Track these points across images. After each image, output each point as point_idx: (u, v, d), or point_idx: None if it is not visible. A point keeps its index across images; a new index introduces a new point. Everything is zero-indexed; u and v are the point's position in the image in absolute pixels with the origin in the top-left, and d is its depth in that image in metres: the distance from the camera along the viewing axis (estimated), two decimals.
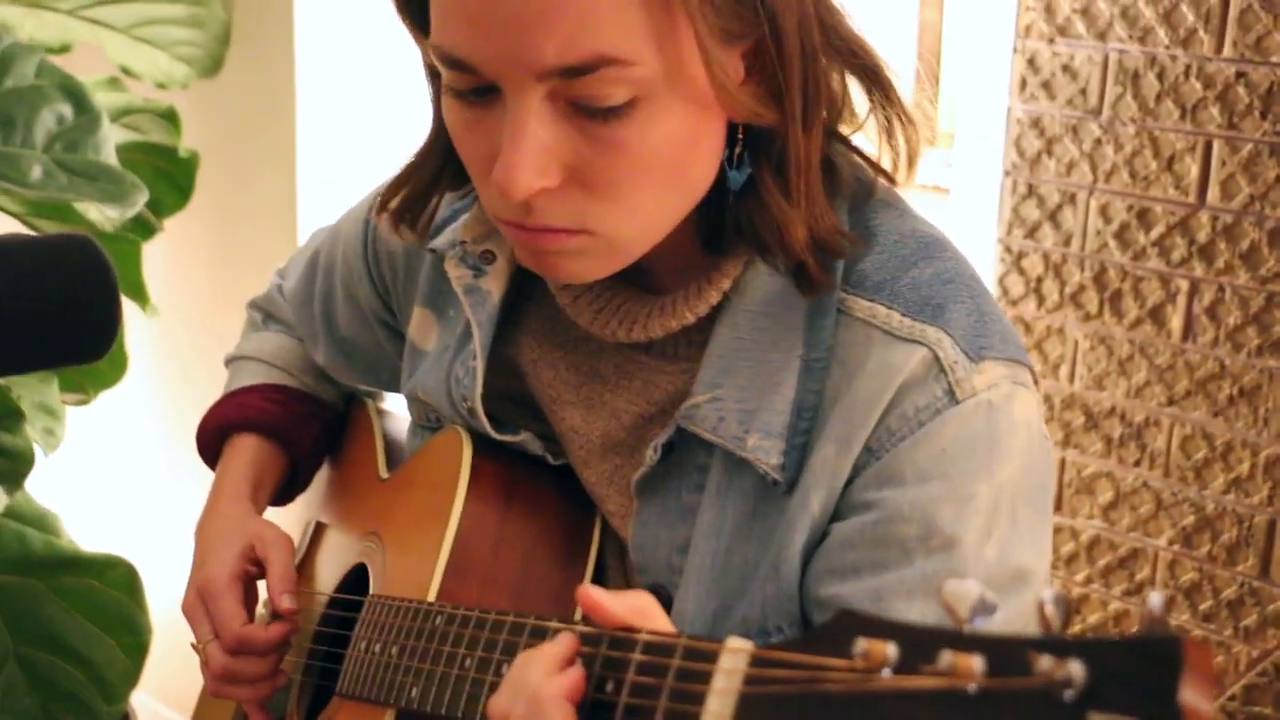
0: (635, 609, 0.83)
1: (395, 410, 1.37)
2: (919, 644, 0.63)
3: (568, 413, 1.11)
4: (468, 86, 0.91)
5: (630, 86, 0.88)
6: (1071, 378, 2.00)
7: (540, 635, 0.89)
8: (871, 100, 0.99)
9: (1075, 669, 0.58)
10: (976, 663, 0.60)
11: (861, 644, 0.64)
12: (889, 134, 1.00)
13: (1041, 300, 2.01)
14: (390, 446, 1.31)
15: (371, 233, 1.22)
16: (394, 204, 1.07)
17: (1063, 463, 2.03)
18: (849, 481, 0.97)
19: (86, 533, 1.95)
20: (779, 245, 0.96)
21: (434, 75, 0.99)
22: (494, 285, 1.09)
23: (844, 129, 1.01)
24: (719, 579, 1.01)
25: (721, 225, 0.99)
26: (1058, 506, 2.04)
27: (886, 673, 0.63)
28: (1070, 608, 0.61)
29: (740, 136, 0.96)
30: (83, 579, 1.84)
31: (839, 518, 0.97)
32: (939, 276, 0.99)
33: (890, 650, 0.63)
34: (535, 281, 1.10)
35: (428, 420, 1.19)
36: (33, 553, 1.83)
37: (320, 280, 1.30)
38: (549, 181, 0.90)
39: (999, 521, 0.95)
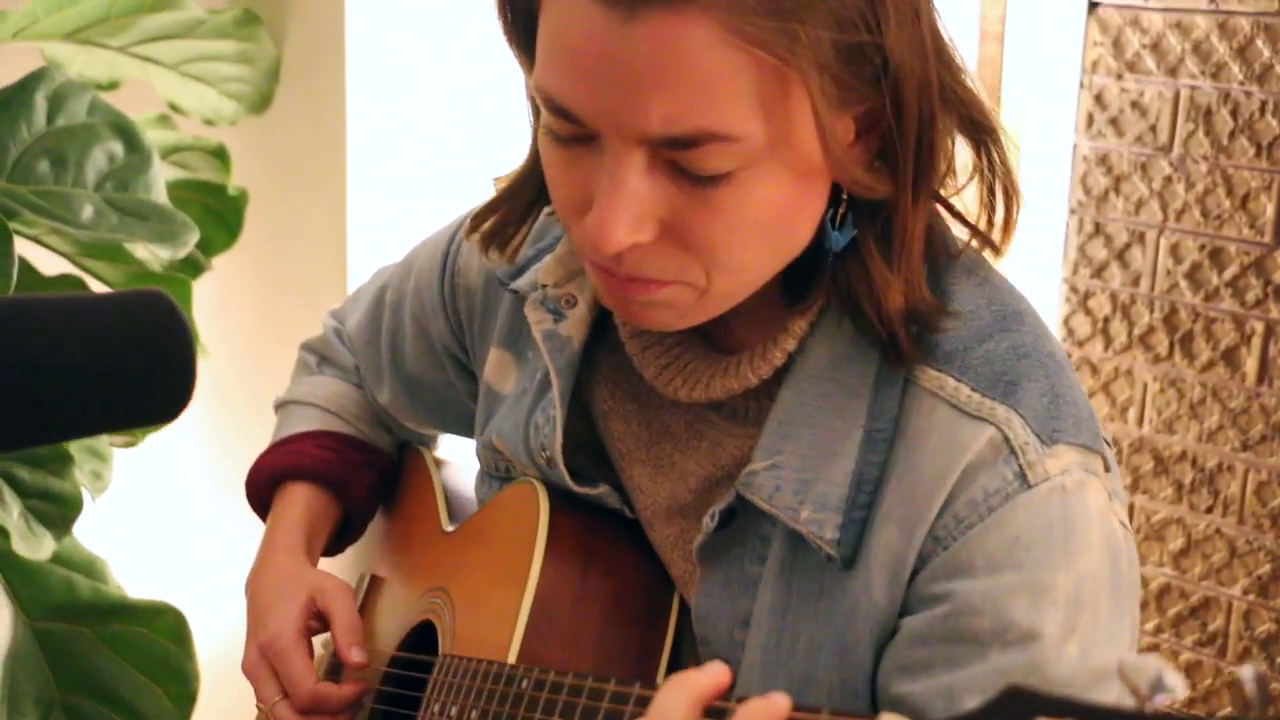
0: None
1: (451, 459, 1.33)
2: None
3: (636, 470, 1.07)
4: (568, 134, 0.89)
5: (735, 159, 0.85)
6: (1140, 421, 1.95)
7: (643, 704, 0.85)
8: (980, 163, 0.94)
9: None
10: None
11: None
12: (991, 200, 0.95)
13: (1109, 341, 1.96)
14: (451, 498, 1.27)
15: (451, 265, 1.19)
16: (486, 227, 1.04)
17: (1131, 508, 1.98)
18: (915, 571, 0.92)
19: (134, 578, 1.91)
20: (875, 312, 0.92)
21: (535, 103, 0.95)
22: (574, 331, 1.06)
23: (945, 190, 0.97)
24: (784, 660, 0.96)
25: (809, 280, 0.95)
26: None
27: None
28: (1268, 686, 0.56)
29: (844, 196, 0.92)
30: (130, 626, 1.80)
31: (908, 611, 0.93)
32: (1014, 351, 0.94)
33: None
34: (609, 327, 1.06)
35: (497, 470, 1.14)
36: (80, 599, 1.80)
37: (388, 316, 1.27)
38: (643, 237, 0.88)
39: (1082, 617, 0.90)
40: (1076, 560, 0.90)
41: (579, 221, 0.89)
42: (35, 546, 1.72)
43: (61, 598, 1.79)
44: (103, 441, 1.94)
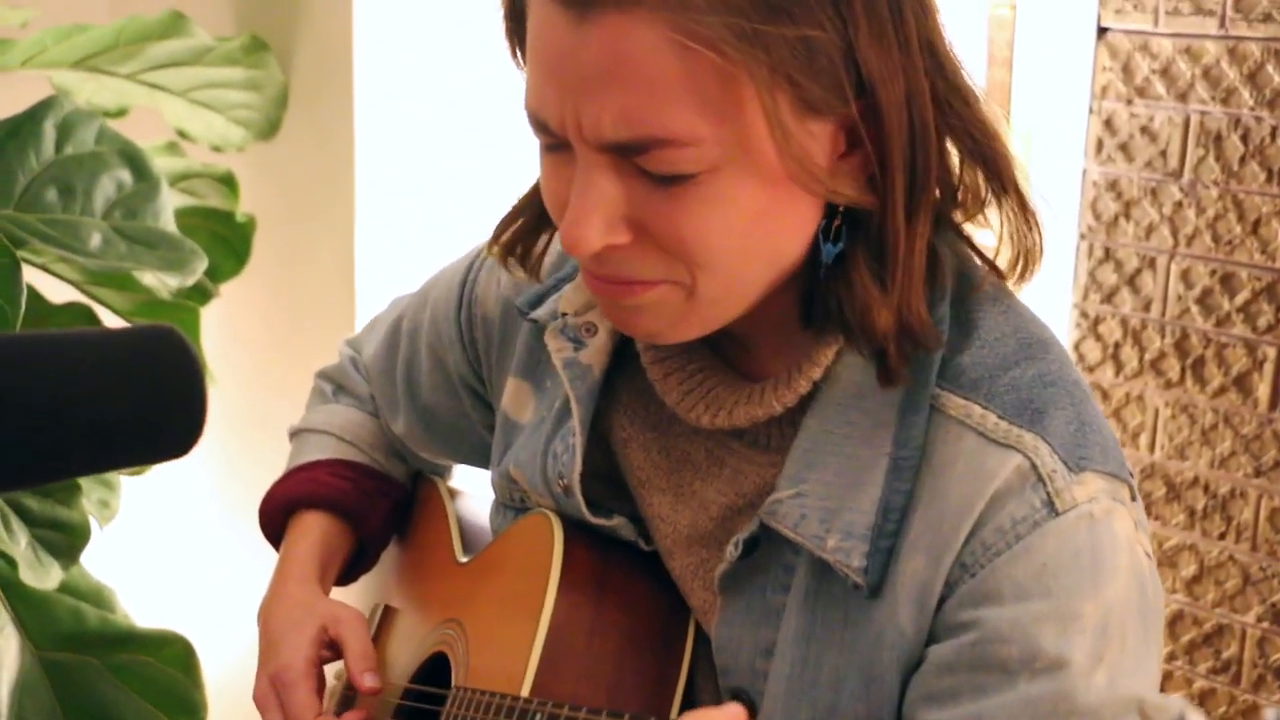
0: None
1: (466, 490, 1.32)
2: None
3: (656, 498, 1.06)
4: (546, 142, 0.91)
5: (690, 164, 0.85)
6: (1152, 447, 1.94)
7: None
8: (990, 192, 0.94)
9: None
10: None
11: None
12: (1007, 230, 0.95)
13: (1119, 367, 1.96)
14: (466, 528, 1.26)
15: (468, 295, 1.19)
16: (505, 237, 1.04)
17: None
18: (943, 599, 0.91)
19: (142, 606, 1.90)
20: (860, 328, 0.91)
21: None
22: (595, 359, 1.05)
23: (957, 216, 0.96)
24: (808, 690, 0.95)
25: (822, 303, 0.94)
26: None
27: None
28: None
29: (840, 209, 0.91)
30: (138, 656, 1.79)
31: (934, 639, 0.92)
32: (1040, 379, 0.94)
33: None
34: (630, 356, 1.06)
35: (512, 500, 1.14)
36: (88, 629, 1.78)
37: (404, 345, 1.26)
38: (617, 239, 0.89)
39: (1109, 645, 0.89)
40: (1104, 588, 0.89)
41: None
42: (43, 576, 1.72)
43: (69, 627, 1.78)
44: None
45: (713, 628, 1.02)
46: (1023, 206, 0.94)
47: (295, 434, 1.33)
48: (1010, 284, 0.98)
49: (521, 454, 1.10)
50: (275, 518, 1.27)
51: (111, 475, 1.95)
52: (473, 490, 1.30)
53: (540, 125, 0.89)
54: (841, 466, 0.94)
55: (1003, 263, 0.97)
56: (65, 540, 1.74)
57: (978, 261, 0.97)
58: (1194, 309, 1.88)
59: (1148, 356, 1.93)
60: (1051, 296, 1.99)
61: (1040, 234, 0.95)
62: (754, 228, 0.88)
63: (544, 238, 1.04)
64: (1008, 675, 0.88)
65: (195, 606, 2.37)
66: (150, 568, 2.40)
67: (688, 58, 0.82)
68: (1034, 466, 0.90)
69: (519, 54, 0.94)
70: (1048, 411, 0.92)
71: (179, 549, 2.52)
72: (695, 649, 1.05)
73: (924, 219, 0.90)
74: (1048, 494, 0.90)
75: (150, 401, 0.79)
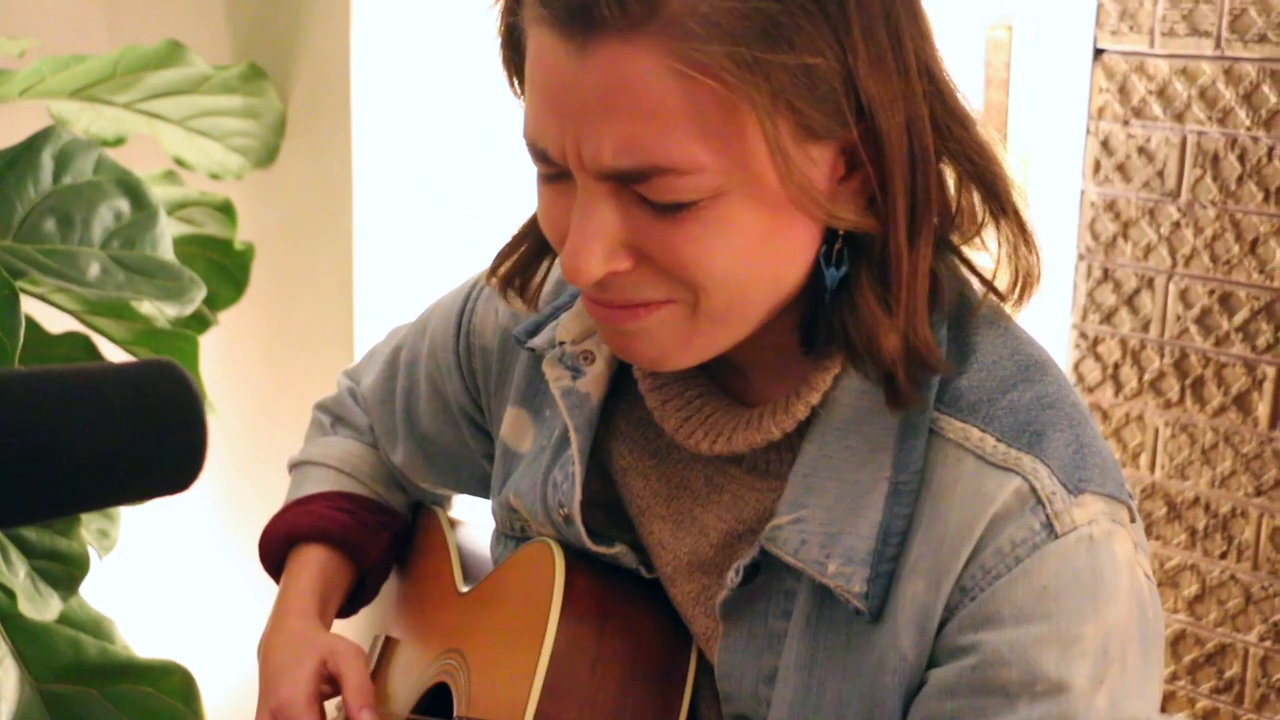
0: None
1: (466, 519, 1.31)
2: None
3: (656, 526, 1.06)
4: (546, 172, 0.91)
5: (691, 191, 0.85)
6: (1152, 467, 1.94)
7: None
8: (989, 214, 0.94)
9: None
10: None
11: None
12: (1005, 252, 0.95)
13: (1119, 387, 1.96)
14: (466, 558, 1.26)
15: (466, 325, 1.19)
16: (503, 269, 1.04)
17: None
18: (943, 623, 0.91)
19: (141, 637, 1.90)
20: (868, 353, 0.91)
21: None
22: (593, 387, 1.05)
23: (955, 238, 0.96)
24: (811, 716, 0.95)
25: (824, 326, 0.94)
26: None
27: None
28: None
29: (840, 233, 0.91)
30: (137, 686, 1.79)
31: (935, 663, 0.92)
32: (1039, 401, 0.94)
33: None
34: (628, 384, 1.06)
35: (512, 529, 1.13)
36: (87, 660, 1.78)
37: (403, 376, 1.26)
38: (619, 265, 0.89)
39: (1110, 667, 0.89)
40: (1105, 610, 0.89)
41: None
42: (42, 607, 1.71)
43: (68, 658, 1.78)
44: None
45: (715, 654, 1.02)
46: (1021, 229, 0.95)
47: (294, 466, 1.33)
48: (1009, 306, 0.98)
49: (521, 483, 1.10)
50: (275, 551, 1.27)
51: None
52: (473, 520, 1.30)
53: (540, 154, 0.89)
54: (841, 491, 0.94)
55: (1001, 284, 0.97)
56: (64, 571, 1.74)
57: (975, 284, 0.97)
58: (1193, 329, 1.88)
59: (1147, 376, 1.93)
60: (1050, 317, 1.99)
61: (1038, 256, 0.96)
62: (755, 253, 0.88)
63: (543, 268, 1.04)
64: (1008, 698, 0.88)
65: (195, 636, 2.37)
66: (150, 598, 2.40)
67: (689, 86, 0.83)
68: (1033, 489, 0.90)
69: (516, 83, 0.94)
70: (1046, 434, 0.92)
71: (178, 579, 2.51)
72: (698, 676, 1.05)
73: (925, 241, 0.90)
74: (1047, 516, 0.90)
75: (151, 437, 0.78)
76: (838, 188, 0.89)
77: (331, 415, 1.35)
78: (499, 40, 0.93)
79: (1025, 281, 0.96)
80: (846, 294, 0.92)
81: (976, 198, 0.94)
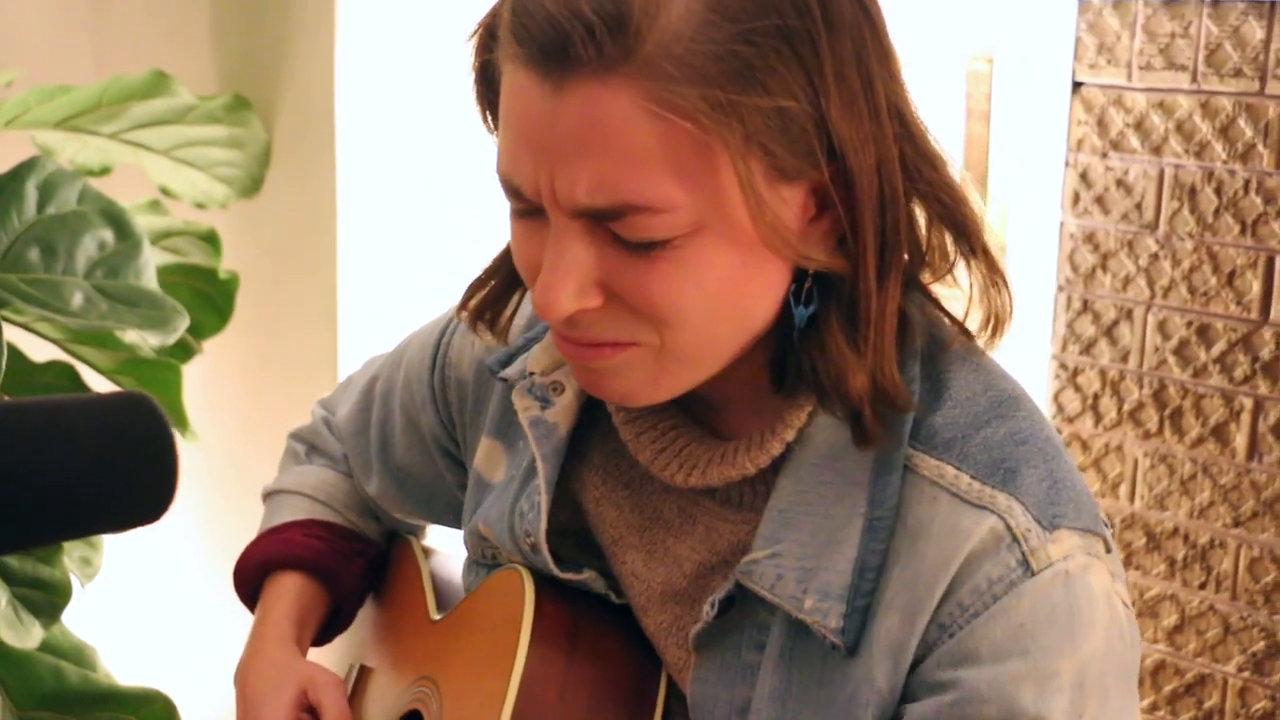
0: None
1: (439, 548, 1.32)
2: None
3: (629, 556, 1.06)
4: (519, 208, 0.91)
5: (664, 230, 0.86)
6: (1132, 497, 1.95)
7: None
8: (959, 255, 0.95)
9: None
10: None
11: None
12: (977, 290, 0.96)
13: (1099, 418, 1.97)
14: (440, 586, 1.27)
15: (442, 358, 1.19)
16: (474, 302, 1.04)
17: None
18: (920, 659, 0.91)
19: (123, 665, 1.90)
20: (835, 392, 0.92)
21: None
22: (561, 418, 1.06)
23: (926, 277, 0.97)
24: None
25: (794, 365, 0.95)
26: None
27: None
28: None
29: (810, 272, 0.92)
30: (119, 714, 1.79)
31: (912, 698, 0.92)
32: (1012, 437, 0.94)
33: None
34: (601, 415, 1.06)
35: (484, 557, 1.14)
36: (69, 688, 1.78)
37: (378, 407, 1.26)
38: (589, 302, 0.89)
39: (1088, 701, 0.89)
40: (1081, 645, 0.89)
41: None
42: (23, 635, 1.71)
43: (50, 686, 1.78)
44: None
45: (688, 685, 1.02)
46: (992, 268, 0.95)
47: (268, 495, 1.33)
48: (981, 343, 0.99)
49: (490, 512, 1.11)
50: (250, 579, 1.27)
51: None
52: (448, 548, 1.30)
53: (513, 190, 0.90)
54: (817, 527, 0.94)
55: (975, 322, 0.98)
56: (46, 599, 1.74)
57: (947, 321, 0.98)
58: (1171, 360, 1.90)
59: (1126, 407, 1.94)
60: (1030, 348, 2.01)
61: (1010, 295, 0.96)
62: (725, 291, 0.89)
63: (513, 301, 1.04)
64: None
65: (177, 664, 2.37)
66: (132, 626, 2.40)
67: (663, 126, 0.83)
68: (1008, 527, 0.91)
69: (490, 118, 0.95)
70: (1020, 470, 0.93)
71: (161, 606, 2.51)
72: (669, 701, 1.06)
73: (895, 281, 0.91)
74: (1023, 554, 0.90)
75: (121, 469, 0.79)
76: (808, 228, 0.90)
77: (306, 444, 1.35)
78: (473, 76, 0.94)
79: (996, 320, 0.97)
80: (815, 332, 0.92)
81: (947, 238, 0.95)
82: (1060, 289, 1.98)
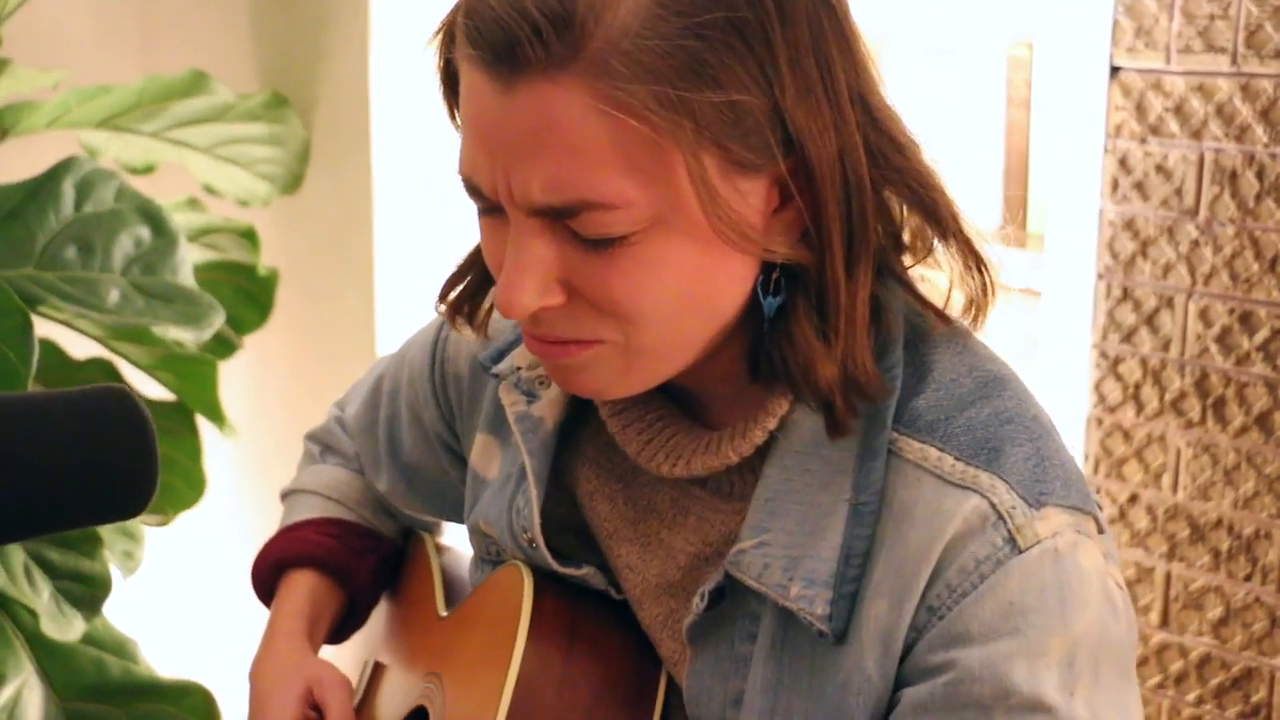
0: None
1: (454, 545, 1.33)
2: None
3: (624, 549, 1.06)
4: (481, 206, 0.92)
5: (620, 226, 0.86)
6: (1175, 488, 1.92)
7: None
8: (937, 239, 0.94)
9: None
10: None
11: None
12: (955, 274, 0.95)
13: (1140, 407, 1.94)
14: (450, 582, 1.27)
15: (440, 354, 1.20)
16: (451, 296, 1.05)
17: (1168, 576, 1.95)
18: (911, 644, 0.91)
19: (164, 657, 1.92)
20: (805, 382, 0.91)
21: None
22: (547, 411, 1.06)
23: (908, 260, 0.96)
24: None
25: (761, 354, 0.95)
26: (1164, 621, 1.95)
27: None
28: None
29: (778, 262, 0.91)
30: (159, 706, 1.81)
31: (906, 682, 0.91)
32: (997, 417, 0.93)
33: None
34: (592, 408, 1.06)
35: (488, 554, 1.15)
36: (110, 680, 1.81)
37: (385, 405, 1.27)
38: (551, 300, 0.89)
39: (1080, 679, 0.88)
40: (1073, 622, 0.88)
41: None
42: (65, 628, 1.74)
43: (92, 678, 1.81)
44: (135, 521, 1.96)
45: (683, 678, 1.02)
46: (969, 251, 0.94)
47: (285, 495, 1.35)
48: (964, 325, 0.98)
49: (490, 510, 1.11)
50: (266, 577, 1.29)
51: (136, 527, 1.98)
52: (461, 546, 1.31)
53: (473, 190, 0.90)
54: (802, 514, 0.94)
55: (958, 302, 0.97)
56: (87, 592, 1.77)
57: (927, 306, 0.97)
58: (1213, 348, 1.86)
59: (1168, 396, 1.91)
60: (1071, 337, 1.98)
61: (990, 277, 0.95)
62: (688, 286, 0.89)
63: (489, 295, 1.05)
64: (983, 711, 0.88)
65: (216, 656, 2.39)
66: (172, 618, 2.43)
67: (613, 125, 0.83)
68: (992, 505, 0.90)
69: (456, 116, 0.95)
70: (1004, 449, 0.92)
71: (201, 599, 2.54)
72: (669, 697, 1.05)
73: (864, 271, 0.90)
74: (1009, 531, 0.89)
75: (99, 462, 0.80)
76: (772, 219, 0.89)
77: (321, 444, 1.37)
78: (438, 75, 0.95)
79: (977, 304, 0.96)
80: (783, 324, 0.92)
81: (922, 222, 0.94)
82: (1100, 277, 1.95)
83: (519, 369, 1.07)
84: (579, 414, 1.07)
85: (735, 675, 0.98)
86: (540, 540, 1.05)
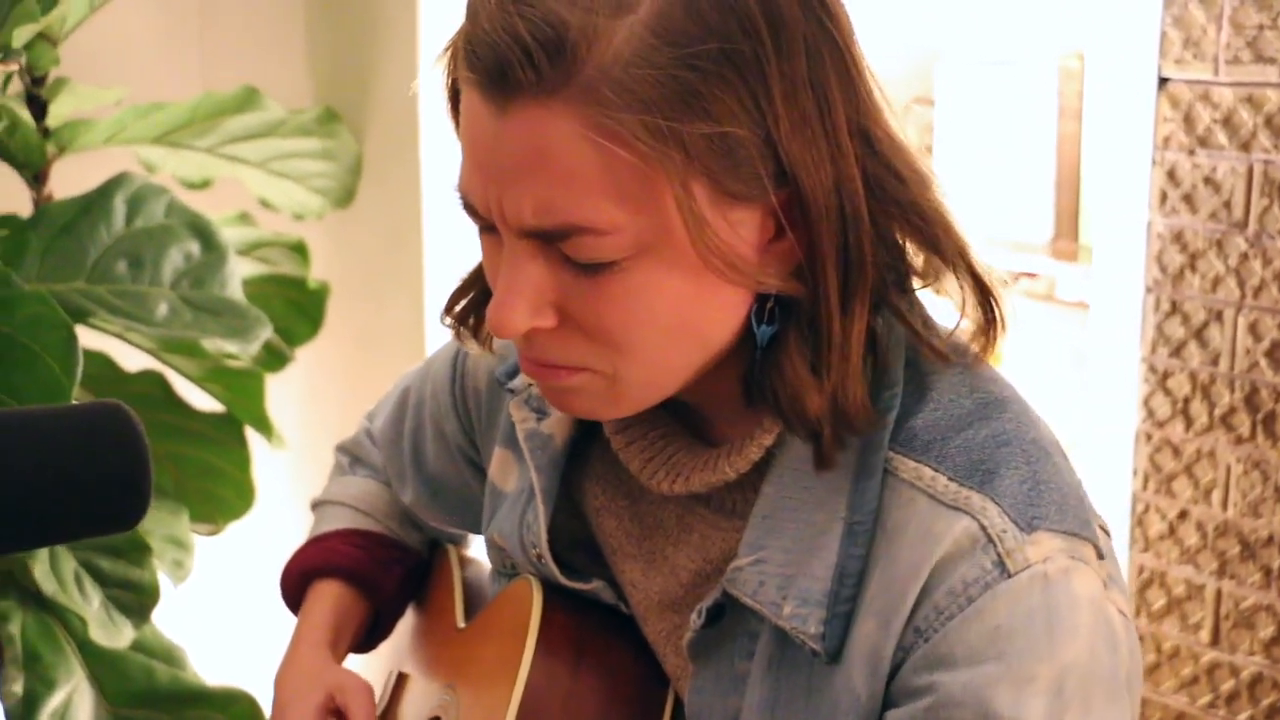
0: None
1: (479, 558, 1.34)
2: None
3: (628, 565, 1.07)
4: (479, 225, 0.93)
5: (610, 251, 0.86)
6: (1225, 504, 1.89)
7: None
8: (944, 272, 0.93)
9: None
10: None
11: None
12: (965, 304, 0.94)
13: (1190, 422, 1.91)
14: (472, 594, 1.28)
15: (461, 368, 1.21)
16: (457, 309, 1.06)
17: (1219, 594, 1.92)
18: (898, 665, 0.90)
19: (212, 665, 1.95)
20: (793, 413, 0.91)
21: None
22: (556, 428, 1.06)
23: (917, 284, 0.95)
24: None
25: (753, 381, 0.95)
26: (1214, 640, 1.92)
27: None
28: None
29: (771, 293, 0.91)
30: (206, 712, 1.84)
31: (891, 704, 0.91)
32: (994, 438, 0.92)
33: None
34: (599, 425, 1.07)
35: (504, 566, 1.16)
36: (159, 687, 1.84)
37: (410, 417, 1.29)
38: (543, 322, 0.90)
39: (1068, 707, 0.87)
40: (1061, 650, 0.87)
41: None
42: (114, 635, 1.77)
43: (142, 685, 1.84)
44: (185, 531, 1.99)
45: (686, 694, 1.02)
46: (975, 282, 0.93)
47: (315, 506, 1.37)
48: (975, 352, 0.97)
49: (504, 524, 1.12)
50: (293, 587, 1.31)
51: (186, 536, 2.01)
52: (486, 557, 1.32)
53: (469, 208, 0.91)
54: (798, 533, 0.94)
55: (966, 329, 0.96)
56: (136, 600, 1.80)
57: (936, 326, 0.96)
58: (1263, 362, 1.83)
59: (1218, 411, 1.88)
60: (1119, 350, 1.96)
61: (998, 307, 0.94)
62: (678, 315, 0.89)
63: None
64: None
65: (263, 664, 2.42)
66: (219, 627, 2.46)
67: (602, 152, 0.83)
68: (983, 528, 0.89)
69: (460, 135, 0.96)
70: (999, 471, 0.91)
71: (247, 609, 2.57)
72: (675, 714, 1.06)
73: (860, 304, 0.89)
74: (998, 555, 0.88)
75: (93, 476, 0.81)
76: (767, 250, 0.89)
77: (350, 455, 1.38)
78: (445, 94, 0.96)
79: (986, 336, 0.95)
80: (775, 354, 0.91)
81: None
82: (1148, 290, 1.93)
83: (530, 385, 1.08)
84: (588, 430, 1.08)
85: (734, 693, 0.98)
86: (548, 556, 1.06)
